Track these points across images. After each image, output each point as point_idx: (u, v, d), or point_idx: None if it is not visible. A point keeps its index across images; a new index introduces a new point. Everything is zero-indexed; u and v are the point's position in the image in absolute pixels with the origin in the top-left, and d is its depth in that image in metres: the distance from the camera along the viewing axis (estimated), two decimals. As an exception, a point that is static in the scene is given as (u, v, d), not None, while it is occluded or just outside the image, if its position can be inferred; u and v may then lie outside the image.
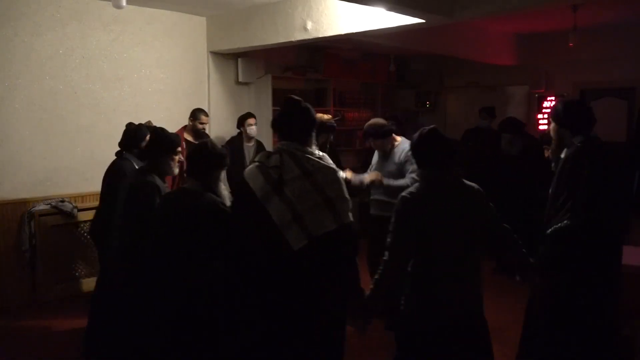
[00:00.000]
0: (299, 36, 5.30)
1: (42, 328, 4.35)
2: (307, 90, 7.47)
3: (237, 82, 6.55)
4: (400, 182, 3.98)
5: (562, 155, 3.03)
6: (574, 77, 7.87)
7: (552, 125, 3.13)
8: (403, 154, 4.07)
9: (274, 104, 6.72)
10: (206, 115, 5.41)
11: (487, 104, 7.34)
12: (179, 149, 3.27)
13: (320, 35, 5.16)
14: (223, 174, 2.87)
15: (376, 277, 2.48)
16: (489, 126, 6.68)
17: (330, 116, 4.28)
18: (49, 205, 4.97)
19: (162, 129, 3.32)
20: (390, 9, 4.29)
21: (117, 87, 5.47)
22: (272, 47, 5.88)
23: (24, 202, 4.90)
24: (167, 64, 5.87)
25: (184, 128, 5.35)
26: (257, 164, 2.46)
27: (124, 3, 4.36)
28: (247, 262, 2.42)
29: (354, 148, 8.25)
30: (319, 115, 4.14)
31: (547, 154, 4.38)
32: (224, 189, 2.82)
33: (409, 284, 2.49)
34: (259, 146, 5.72)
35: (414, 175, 3.78)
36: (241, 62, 6.45)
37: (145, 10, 5.63)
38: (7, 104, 4.79)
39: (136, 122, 5.05)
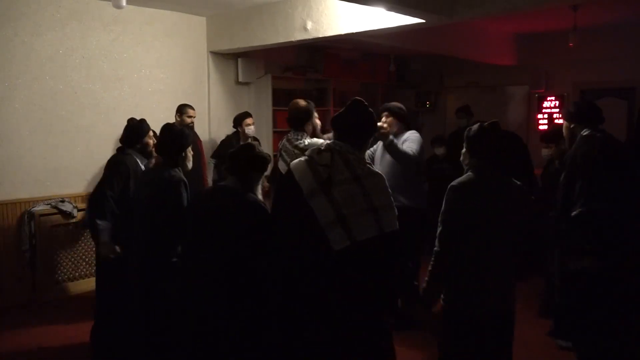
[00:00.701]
0: (299, 36, 5.30)
1: (42, 328, 4.35)
2: (307, 90, 7.46)
3: (237, 82, 6.56)
4: (404, 147, 3.95)
5: (572, 147, 3.35)
6: (574, 77, 7.87)
7: (564, 123, 3.50)
8: (405, 143, 4.05)
9: (274, 104, 6.72)
10: (192, 108, 5.42)
11: (487, 104, 7.35)
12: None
13: (320, 35, 5.16)
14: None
15: (430, 269, 2.52)
16: (467, 125, 6.65)
17: (303, 101, 4.12)
18: (49, 205, 4.97)
19: (171, 125, 3.30)
20: (390, 9, 4.29)
21: (117, 87, 5.47)
22: (272, 47, 5.88)
23: (24, 202, 4.90)
24: (167, 64, 5.87)
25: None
26: (306, 158, 2.43)
27: (124, 3, 4.36)
28: (288, 259, 2.39)
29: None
30: (295, 102, 4.08)
31: (546, 152, 4.41)
32: (259, 191, 2.83)
33: (450, 276, 2.51)
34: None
35: (412, 147, 3.93)
36: (241, 62, 6.46)
37: (145, 10, 5.63)
38: (7, 104, 4.79)
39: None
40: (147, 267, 3.09)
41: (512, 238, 2.52)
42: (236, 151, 2.78)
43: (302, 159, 2.44)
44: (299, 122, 3.61)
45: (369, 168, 2.42)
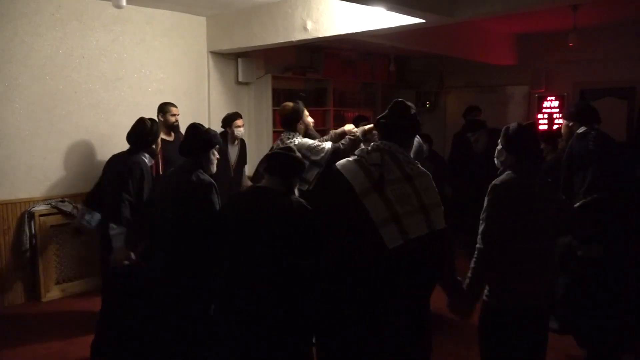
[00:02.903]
0: (299, 36, 5.31)
1: (42, 328, 4.35)
2: (307, 91, 7.47)
3: (237, 82, 6.56)
4: None
5: (569, 143, 3.57)
6: (574, 77, 7.87)
7: (564, 122, 3.76)
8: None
9: (274, 104, 6.72)
10: (175, 106, 5.08)
11: (487, 104, 7.34)
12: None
13: (320, 35, 5.16)
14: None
15: (473, 266, 2.55)
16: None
17: (290, 103, 4.19)
18: (49, 205, 4.97)
19: (198, 125, 3.13)
20: (390, 9, 4.29)
21: (117, 87, 5.47)
22: (272, 47, 5.88)
23: (24, 202, 4.90)
24: (167, 64, 5.87)
25: None
26: (355, 157, 2.45)
27: (124, 3, 4.36)
28: (339, 257, 2.38)
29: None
30: (284, 106, 4.09)
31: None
32: (297, 193, 2.75)
33: (495, 272, 2.55)
34: (243, 146, 5.60)
35: None
36: (241, 62, 6.46)
37: (145, 10, 5.63)
38: (7, 104, 4.78)
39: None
40: (174, 278, 2.91)
41: (553, 232, 2.60)
42: (279, 152, 2.70)
43: (351, 158, 2.47)
44: (289, 123, 3.83)
45: (418, 167, 2.47)
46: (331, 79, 7.61)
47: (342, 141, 3.85)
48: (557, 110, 8.13)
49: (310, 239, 2.51)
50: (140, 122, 3.63)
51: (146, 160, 3.53)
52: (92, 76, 5.28)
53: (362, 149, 2.52)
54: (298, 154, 2.74)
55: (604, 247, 3.35)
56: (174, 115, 5.02)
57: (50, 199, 5.01)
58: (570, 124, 3.69)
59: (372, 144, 2.55)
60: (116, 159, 3.64)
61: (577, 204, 3.38)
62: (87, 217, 3.74)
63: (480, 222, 2.55)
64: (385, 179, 2.33)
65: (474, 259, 2.55)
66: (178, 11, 5.88)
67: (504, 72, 8.26)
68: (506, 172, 2.59)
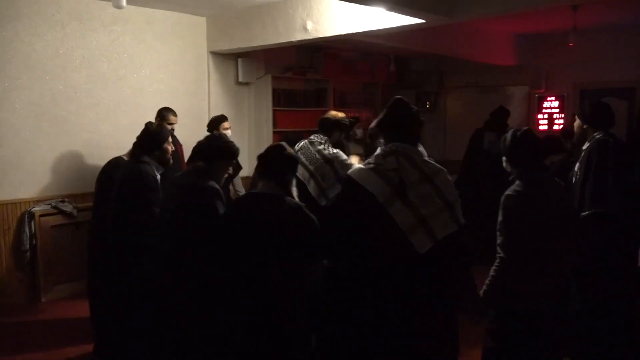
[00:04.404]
0: (299, 36, 5.31)
1: (42, 328, 4.35)
2: (307, 91, 7.46)
3: (237, 82, 6.55)
4: None
5: (584, 147, 3.40)
6: (574, 77, 7.87)
7: (577, 121, 3.54)
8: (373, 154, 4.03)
9: (274, 104, 6.72)
10: (175, 115, 4.92)
11: (487, 104, 7.33)
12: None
13: (320, 35, 5.16)
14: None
15: (492, 274, 2.54)
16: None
17: (343, 114, 4.12)
18: (49, 206, 4.97)
19: (223, 134, 3.08)
20: (390, 9, 4.29)
21: (117, 87, 5.47)
22: (272, 47, 5.88)
23: (24, 202, 4.90)
24: (167, 64, 5.87)
25: None
26: (371, 165, 2.37)
27: (124, 3, 4.36)
28: (366, 265, 2.34)
29: (354, 148, 8.25)
30: (333, 113, 4.03)
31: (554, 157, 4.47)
32: (295, 192, 2.68)
33: (510, 277, 2.54)
34: None
35: None
36: (241, 62, 6.46)
37: (145, 10, 5.63)
38: (7, 104, 4.78)
39: (137, 123, 5.06)
40: (177, 284, 2.85)
41: (565, 237, 2.58)
42: (268, 153, 2.62)
43: (364, 166, 2.40)
44: (329, 129, 3.60)
45: (434, 164, 2.41)
46: (331, 79, 7.60)
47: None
48: (557, 110, 8.13)
49: (311, 242, 2.48)
50: (146, 125, 3.50)
51: (153, 168, 3.32)
52: (92, 76, 5.28)
53: (376, 154, 2.43)
54: (290, 150, 2.66)
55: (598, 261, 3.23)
56: (172, 123, 4.83)
57: (50, 199, 5.01)
58: (584, 126, 3.49)
59: (382, 148, 2.46)
60: (121, 166, 3.50)
61: (583, 214, 3.27)
62: None
63: (498, 234, 2.55)
64: (405, 183, 2.28)
65: (494, 267, 2.55)
66: (178, 11, 5.88)
67: (504, 72, 8.26)
68: (516, 183, 2.58)
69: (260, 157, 2.63)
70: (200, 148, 3.01)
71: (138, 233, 3.15)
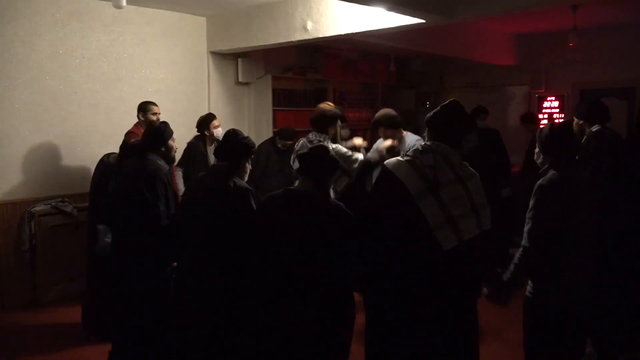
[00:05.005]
0: (299, 36, 5.31)
1: (42, 328, 4.35)
2: (307, 90, 7.47)
3: (237, 82, 6.56)
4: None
5: (583, 141, 3.58)
6: (574, 77, 7.87)
7: (575, 120, 3.77)
8: (411, 148, 4.05)
9: (274, 104, 6.72)
10: (155, 105, 4.87)
11: (487, 104, 7.32)
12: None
13: (320, 35, 5.16)
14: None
15: (516, 262, 2.61)
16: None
17: (329, 105, 4.07)
18: (49, 206, 4.97)
19: (238, 131, 3.05)
20: (390, 9, 4.29)
21: (117, 87, 5.47)
22: (272, 47, 5.88)
23: (24, 202, 4.90)
24: (167, 64, 5.87)
25: (137, 125, 4.80)
26: (408, 158, 2.41)
27: (124, 3, 4.36)
28: (392, 259, 2.37)
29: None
30: (321, 107, 4.01)
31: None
32: (332, 193, 2.73)
33: (537, 270, 2.60)
34: None
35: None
36: (241, 62, 6.46)
37: (145, 10, 5.63)
38: (7, 104, 4.78)
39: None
40: (211, 286, 2.84)
41: (595, 230, 2.66)
42: (312, 153, 2.62)
43: (402, 159, 2.43)
44: (322, 125, 3.61)
45: (469, 168, 2.47)
46: (331, 79, 7.60)
47: (371, 155, 3.85)
48: (557, 110, 8.14)
49: (352, 244, 2.48)
50: (149, 124, 3.55)
51: (160, 163, 3.28)
52: (92, 76, 5.28)
53: (414, 149, 2.48)
54: (332, 153, 2.69)
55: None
56: (155, 114, 4.81)
57: (50, 199, 5.01)
58: (581, 122, 3.72)
59: (422, 144, 2.50)
60: (127, 163, 3.44)
61: None
62: (108, 238, 3.60)
63: (527, 221, 2.60)
64: (439, 181, 2.32)
65: (518, 255, 2.61)
66: (178, 11, 5.88)
67: (504, 72, 8.26)
68: (550, 172, 2.63)
69: (304, 157, 2.63)
70: (221, 148, 3.01)
71: (149, 229, 3.12)
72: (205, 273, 2.87)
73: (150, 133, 3.39)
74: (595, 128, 3.61)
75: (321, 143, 3.47)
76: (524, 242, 2.59)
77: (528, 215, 2.60)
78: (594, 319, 3.36)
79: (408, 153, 2.48)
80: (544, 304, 2.60)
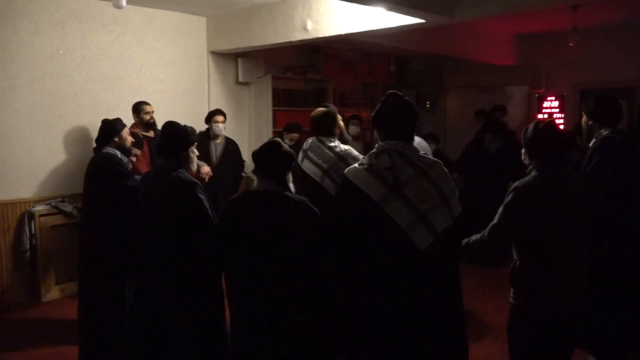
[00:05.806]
0: (299, 36, 5.31)
1: (42, 328, 4.35)
2: (307, 91, 7.47)
3: (237, 82, 6.56)
4: None
5: (590, 145, 3.31)
6: (574, 77, 7.88)
7: (584, 118, 3.43)
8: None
9: (274, 104, 6.72)
10: (148, 104, 5.09)
11: (487, 104, 7.35)
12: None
13: (320, 35, 5.16)
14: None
15: (469, 242, 2.54)
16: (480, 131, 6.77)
17: (321, 108, 4.04)
18: (49, 205, 4.97)
19: (173, 122, 3.01)
20: (390, 9, 4.29)
21: (117, 87, 5.47)
22: (272, 47, 5.88)
23: (24, 202, 4.90)
24: (167, 64, 5.87)
25: (134, 126, 4.96)
26: (365, 166, 2.36)
27: (124, 3, 4.36)
28: (367, 265, 2.33)
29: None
30: (314, 113, 4.02)
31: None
32: (292, 188, 2.62)
33: (521, 276, 2.51)
34: (229, 144, 5.59)
35: None
36: (241, 62, 6.46)
37: (145, 10, 5.63)
38: (7, 104, 4.78)
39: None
40: (172, 283, 2.78)
41: (583, 235, 2.51)
42: (265, 151, 2.53)
43: (359, 167, 2.38)
44: (326, 129, 3.58)
45: (428, 158, 2.38)
46: (331, 79, 7.61)
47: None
48: (557, 110, 8.14)
49: (321, 238, 2.45)
50: (102, 122, 3.71)
51: (117, 154, 3.55)
52: (92, 76, 5.29)
53: (369, 154, 2.42)
54: (285, 146, 2.59)
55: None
56: (148, 112, 5.05)
57: (50, 199, 5.01)
58: (590, 122, 3.35)
59: (376, 145, 2.44)
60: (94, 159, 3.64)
61: None
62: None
63: (496, 216, 2.50)
64: (400, 181, 2.27)
65: (474, 239, 2.54)
66: (178, 11, 5.89)
67: (504, 72, 8.27)
68: (531, 175, 2.51)
69: (258, 155, 2.54)
70: (159, 145, 2.96)
71: (117, 198, 3.39)
72: (164, 271, 2.82)
73: (101, 128, 3.65)
74: (605, 132, 3.21)
75: (334, 144, 3.47)
76: (485, 233, 2.51)
77: (499, 211, 2.50)
78: (587, 328, 3.25)
79: (363, 160, 2.42)
80: (530, 313, 2.50)
